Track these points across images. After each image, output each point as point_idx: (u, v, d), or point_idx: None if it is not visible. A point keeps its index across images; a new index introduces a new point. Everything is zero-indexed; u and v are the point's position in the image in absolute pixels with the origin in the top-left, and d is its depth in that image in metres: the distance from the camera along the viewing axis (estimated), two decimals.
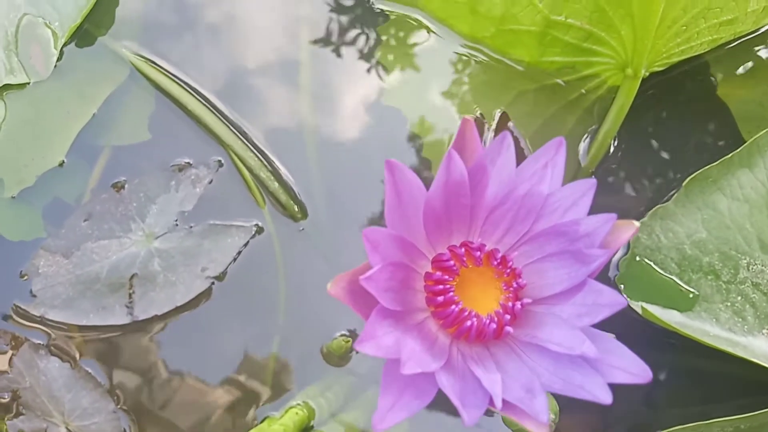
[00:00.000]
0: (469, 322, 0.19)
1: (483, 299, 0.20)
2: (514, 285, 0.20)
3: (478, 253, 0.20)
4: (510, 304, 0.20)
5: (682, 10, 0.31)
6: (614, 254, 0.19)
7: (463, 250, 0.20)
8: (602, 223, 0.19)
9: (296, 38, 0.39)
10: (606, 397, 0.18)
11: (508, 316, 0.19)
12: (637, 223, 0.20)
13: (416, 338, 0.19)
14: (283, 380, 0.34)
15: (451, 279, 0.20)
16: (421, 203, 0.19)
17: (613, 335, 0.20)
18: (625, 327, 0.33)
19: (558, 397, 0.35)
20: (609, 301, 0.19)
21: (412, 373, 0.17)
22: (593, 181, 0.20)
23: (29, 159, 0.36)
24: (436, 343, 0.19)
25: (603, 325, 0.32)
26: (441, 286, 0.19)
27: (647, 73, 0.34)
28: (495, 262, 0.20)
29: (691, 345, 0.32)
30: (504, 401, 0.18)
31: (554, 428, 0.27)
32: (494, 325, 0.19)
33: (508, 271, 0.20)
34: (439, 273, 0.20)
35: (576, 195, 0.20)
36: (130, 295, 0.34)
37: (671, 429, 0.32)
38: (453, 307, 0.19)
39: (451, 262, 0.20)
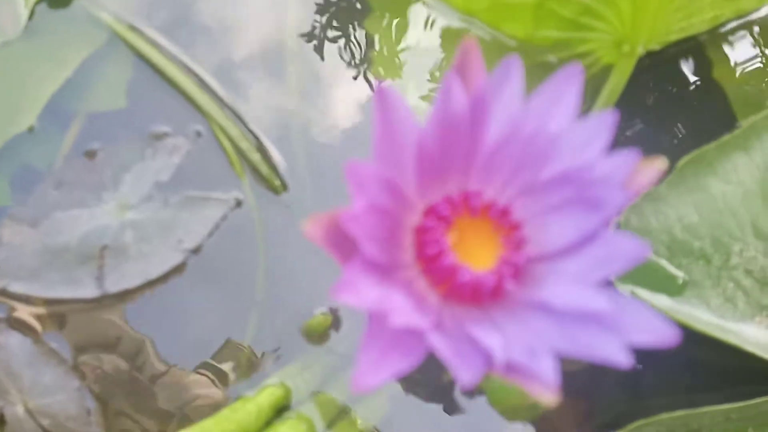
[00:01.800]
0: (462, 277, 0.16)
1: (480, 254, 0.17)
2: (516, 239, 0.17)
3: (476, 202, 0.17)
4: (511, 258, 0.17)
5: None
6: (636, 198, 0.17)
7: (459, 198, 0.17)
8: (622, 163, 0.16)
9: (286, 10, 0.37)
10: (624, 360, 0.15)
11: (508, 271, 0.17)
12: (664, 159, 0.17)
13: (403, 295, 0.16)
14: (259, 359, 0.32)
15: (444, 229, 0.17)
16: (413, 143, 0.17)
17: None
18: None
19: None
20: (626, 251, 0.16)
21: (401, 325, 0.15)
22: (613, 114, 0.17)
23: None
24: (424, 303, 0.17)
25: None
26: (434, 237, 0.17)
27: (643, 52, 0.33)
28: (494, 214, 0.17)
29: (685, 333, 0.31)
30: (519, 368, 0.15)
31: (539, 406, 0.25)
32: (492, 280, 0.17)
33: (509, 223, 0.17)
34: (432, 222, 0.17)
35: (590, 133, 0.17)
36: (100, 267, 0.32)
37: (658, 417, 0.31)
38: (446, 259, 0.16)
39: (446, 211, 0.17)
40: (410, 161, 0.17)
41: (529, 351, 0.15)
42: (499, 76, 0.17)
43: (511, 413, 0.26)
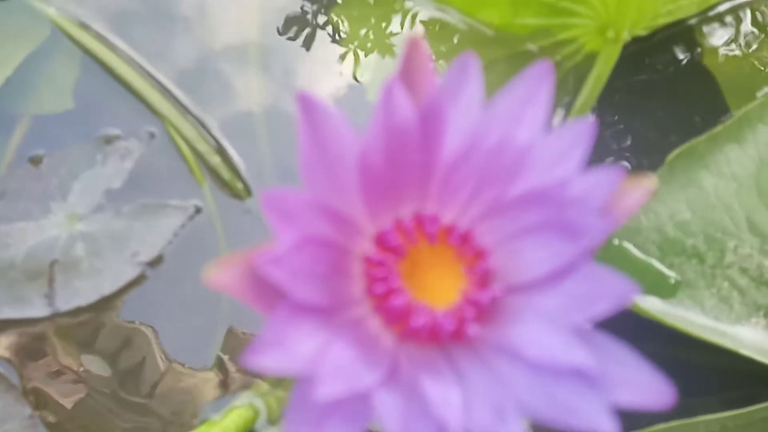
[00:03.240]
0: (418, 320, 0.14)
1: (439, 288, 0.15)
2: (480, 269, 0.14)
3: (433, 226, 0.15)
4: (475, 294, 0.14)
5: None
6: (618, 225, 0.14)
7: (412, 223, 0.15)
8: (602, 182, 0.14)
9: (248, 6, 0.35)
10: (608, 426, 0.13)
11: (471, 311, 0.14)
12: (654, 178, 0.15)
13: (348, 342, 0.13)
14: (227, 377, 0.30)
15: (395, 261, 0.14)
16: (353, 158, 0.14)
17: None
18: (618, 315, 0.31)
19: None
20: (610, 289, 0.13)
21: (335, 391, 0.12)
22: (591, 122, 0.14)
23: None
24: (376, 347, 0.14)
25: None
26: (382, 272, 0.14)
27: (629, 37, 0.31)
28: (454, 240, 0.15)
29: (674, 334, 0.29)
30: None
31: None
32: (452, 323, 0.14)
33: (472, 250, 0.15)
34: (380, 254, 0.14)
35: (565, 144, 0.14)
36: (50, 284, 0.30)
37: (653, 428, 0.29)
38: (398, 298, 0.14)
39: (396, 241, 0.14)
40: (351, 181, 0.14)
41: (495, 411, 0.13)
42: (453, 78, 0.15)
43: None
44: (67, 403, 0.29)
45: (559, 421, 0.13)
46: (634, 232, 0.31)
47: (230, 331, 0.30)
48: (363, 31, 0.34)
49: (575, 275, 0.14)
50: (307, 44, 0.34)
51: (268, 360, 0.12)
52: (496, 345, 0.14)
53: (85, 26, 0.32)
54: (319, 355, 0.13)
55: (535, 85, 0.15)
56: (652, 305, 0.30)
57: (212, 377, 0.29)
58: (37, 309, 0.29)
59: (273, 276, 0.13)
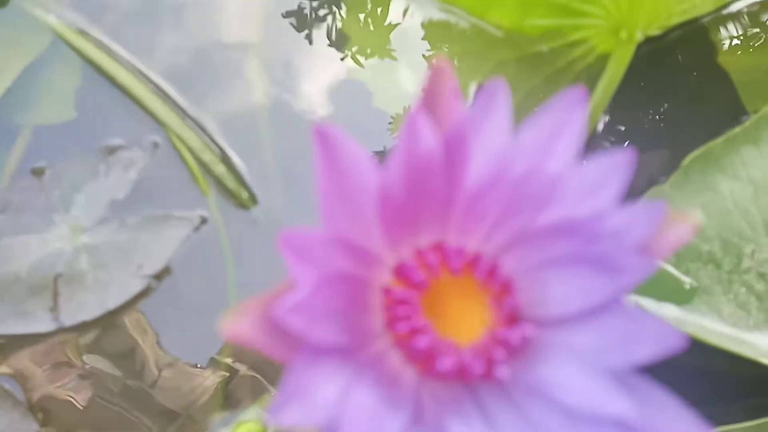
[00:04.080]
0: (445, 362, 0.13)
1: (464, 322, 0.14)
2: (508, 304, 0.14)
3: (458, 258, 0.14)
4: (504, 333, 0.13)
5: None
6: (659, 262, 0.13)
7: (435, 254, 0.14)
8: (640, 216, 0.13)
9: (248, 9, 0.34)
10: None
11: (500, 351, 0.13)
12: (699, 214, 0.14)
13: (370, 383, 0.13)
14: (235, 389, 0.30)
15: (418, 297, 0.14)
16: (373, 189, 0.13)
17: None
18: None
19: None
20: (652, 332, 0.12)
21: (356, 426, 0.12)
22: (630, 153, 0.14)
23: None
24: (398, 386, 0.13)
25: None
26: (405, 311, 0.13)
27: (642, 38, 0.30)
28: (480, 272, 0.14)
29: (695, 342, 0.29)
30: None
31: None
32: (480, 365, 0.13)
33: (499, 282, 0.14)
34: (401, 288, 0.14)
35: (599, 174, 0.13)
36: (54, 298, 0.29)
37: None
38: (422, 339, 0.13)
39: (419, 275, 0.14)
40: (371, 212, 0.13)
41: None
42: (481, 105, 0.14)
43: None
44: (80, 400, 0.28)
45: None
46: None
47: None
48: (362, 25, 0.33)
49: (612, 314, 0.13)
50: (312, 47, 0.34)
51: (290, 415, 0.12)
52: (526, 386, 0.13)
53: (85, 34, 0.32)
54: (341, 401, 0.12)
55: (568, 113, 0.14)
56: (668, 312, 0.29)
57: (215, 383, 0.29)
58: (42, 324, 0.29)
59: (292, 324, 0.12)
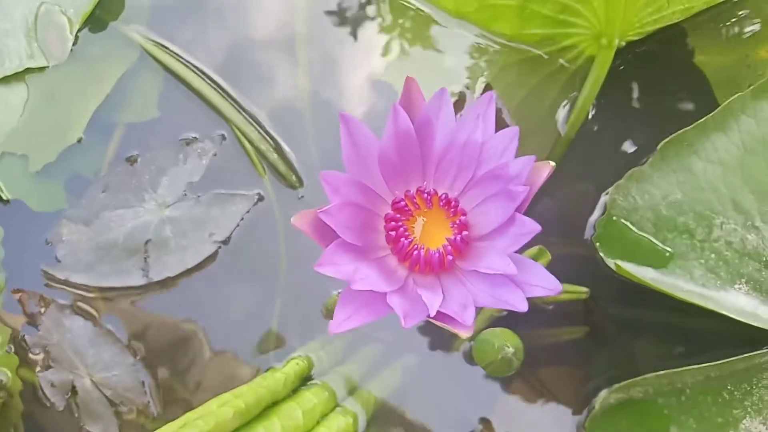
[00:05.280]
0: (416, 253, 0.22)
1: (435, 237, 0.23)
2: (458, 222, 0.22)
3: (427, 195, 0.22)
4: (454, 237, 0.22)
5: None
6: (535, 190, 0.21)
7: (418, 195, 0.22)
8: (526, 164, 0.21)
9: (295, 18, 0.40)
10: (523, 306, 0.21)
11: (450, 249, 0.22)
12: (552, 163, 0.21)
13: (374, 268, 0.21)
14: (285, 336, 0.36)
15: (405, 219, 0.22)
16: (375, 153, 0.22)
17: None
18: (614, 285, 0.35)
19: (544, 352, 0.36)
20: (529, 229, 0.21)
21: (361, 289, 0.21)
22: (516, 129, 0.22)
23: (50, 136, 0.37)
24: (394, 274, 0.22)
25: (585, 280, 0.34)
26: (396, 225, 0.22)
27: (623, 43, 0.35)
28: (445, 205, 0.22)
29: (673, 304, 0.33)
30: (442, 314, 0.21)
31: (514, 361, 0.29)
32: (438, 255, 0.22)
33: (453, 211, 0.22)
34: (395, 214, 0.22)
35: (505, 142, 0.22)
36: (145, 259, 0.36)
37: (644, 376, 0.34)
38: (404, 240, 0.22)
39: (405, 205, 0.22)
40: (375, 168, 0.21)
41: (461, 305, 0.21)
42: (435, 102, 0.22)
43: (490, 368, 0.29)
44: (161, 353, 0.35)
45: (498, 306, 0.21)
46: (632, 211, 0.35)
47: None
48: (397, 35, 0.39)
49: (512, 225, 0.21)
50: (351, 55, 0.39)
51: (325, 270, 0.21)
52: (469, 271, 0.22)
53: (166, 48, 0.39)
54: (355, 272, 0.21)
55: (486, 106, 0.22)
56: (646, 274, 0.34)
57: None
58: (135, 279, 0.36)
59: (326, 220, 0.21)
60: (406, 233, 0.22)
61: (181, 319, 0.36)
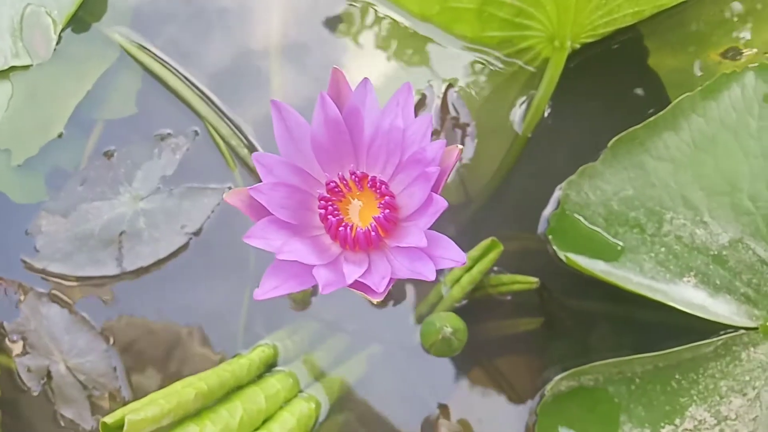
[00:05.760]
0: (342, 230, 0.24)
1: (364, 216, 0.25)
2: (384, 202, 0.24)
3: (356, 178, 0.24)
4: (380, 216, 0.24)
5: None
6: (450, 171, 0.24)
7: (351, 178, 0.24)
8: (439, 147, 0.23)
9: (269, 24, 0.42)
10: (432, 276, 0.23)
11: (375, 225, 0.24)
12: (460, 146, 0.24)
13: (308, 245, 0.23)
14: (253, 325, 0.37)
15: (336, 200, 0.24)
16: (307, 138, 0.23)
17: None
18: (569, 279, 0.36)
19: (501, 340, 0.38)
20: (441, 206, 0.23)
21: (287, 259, 0.22)
22: (429, 116, 0.24)
23: (33, 132, 0.39)
24: (327, 251, 0.24)
25: (539, 273, 0.35)
26: (326, 204, 0.24)
27: (577, 45, 0.36)
28: (370, 186, 0.24)
29: (626, 296, 0.34)
30: (358, 282, 0.23)
31: (454, 341, 0.30)
32: (365, 233, 0.24)
33: (380, 192, 0.24)
34: (328, 195, 0.24)
35: (423, 128, 0.23)
36: (119, 249, 0.38)
37: (593, 364, 0.35)
38: (332, 219, 0.24)
39: (336, 186, 0.24)
40: (309, 151, 0.23)
41: (381, 277, 0.23)
42: (361, 91, 0.24)
43: (434, 348, 0.31)
44: (133, 340, 0.37)
45: (413, 276, 0.23)
46: (584, 206, 0.36)
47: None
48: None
49: (429, 204, 0.23)
50: (322, 53, 0.41)
51: (254, 242, 0.23)
52: (394, 247, 0.24)
53: (144, 49, 0.40)
54: (284, 246, 0.23)
55: (405, 95, 0.24)
56: (597, 267, 0.35)
57: None
58: (110, 269, 0.38)
59: (258, 198, 0.23)
60: (336, 212, 0.24)
61: (152, 306, 0.38)
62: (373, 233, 0.23)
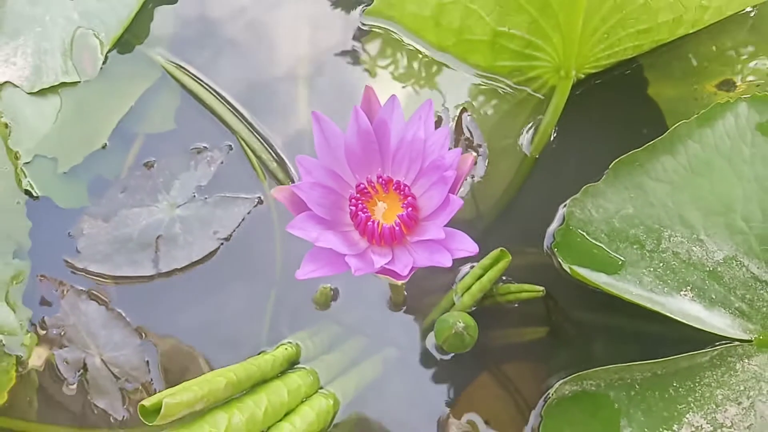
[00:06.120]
0: (371, 225, 0.27)
1: (391, 216, 0.28)
2: (407, 202, 0.27)
3: (383, 181, 0.28)
4: (404, 213, 0.27)
5: (601, 21, 0.36)
6: (465, 176, 0.27)
7: (378, 181, 0.28)
8: (456, 155, 0.27)
9: (297, 48, 0.45)
10: (448, 263, 0.26)
11: (399, 222, 0.28)
12: (474, 153, 0.27)
13: (339, 238, 0.27)
14: (277, 325, 0.39)
15: (365, 200, 0.27)
16: (342, 146, 0.27)
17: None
18: (573, 291, 0.39)
19: (508, 347, 0.40)
20: (457, 205, 0.27)
21: (323, 246, 0.26)
22: (446, 129, 0.28)
23: (78, 142, 0.42)
24: (355, 245, 0.27)
25: (546, 283, 0.38)
26: (356, 203, 0.27)
27: (581, 75, 0.39)
28: (399, 190, 0.28)
29: (627, 308, 0.36)
30: (388, 269, 0.27)
31: (466, 336, 0.33)
32: (389, 229, 0.27)
33: (404, 193, 0.27)
34: (357, 195, 0.27)
35: (442, 139, 0.27)
36: (156, 252, 0.41)
37: (595, 370, 0.37)
38: (361, 215, 0.27)
39: (365, 188, 0.27)
40: (342, 158, 0.27)
41: (404, 265, 0.26)
42: (388, 107, 0.28)
43: (447, 344, 0.33)
44: (165, 336, 0.39)
45: (432, 264, 0.26)
46: (587, 223, 0.39)
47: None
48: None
49: (449, 203, 0.26)
50: (345, 76, 0.44)
51: (295, 231, 0.26)
52: (415, 242, 0.27)
53: (183, 69, 0.44)
54: (319, 236, 0.26)
55: (426, 111, 0.27)
56: (600, 279, 0.37)
57: None
58: (147, 269, 0.40)
59: (298, 193, 0.27)
60: (364, 209, 0.27)
61: (184, 305, 0.40)
62: (396, 228, 0.27)
